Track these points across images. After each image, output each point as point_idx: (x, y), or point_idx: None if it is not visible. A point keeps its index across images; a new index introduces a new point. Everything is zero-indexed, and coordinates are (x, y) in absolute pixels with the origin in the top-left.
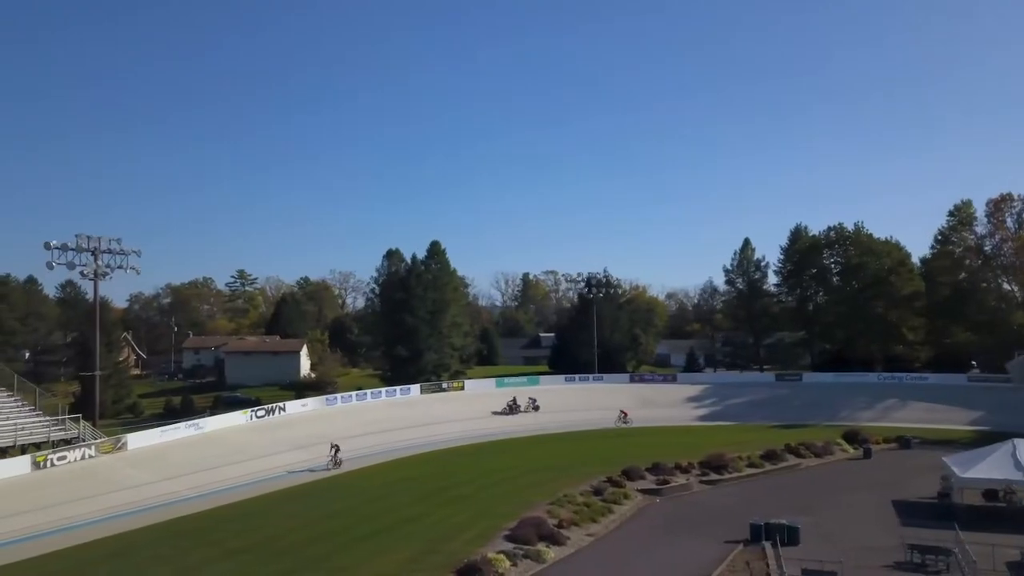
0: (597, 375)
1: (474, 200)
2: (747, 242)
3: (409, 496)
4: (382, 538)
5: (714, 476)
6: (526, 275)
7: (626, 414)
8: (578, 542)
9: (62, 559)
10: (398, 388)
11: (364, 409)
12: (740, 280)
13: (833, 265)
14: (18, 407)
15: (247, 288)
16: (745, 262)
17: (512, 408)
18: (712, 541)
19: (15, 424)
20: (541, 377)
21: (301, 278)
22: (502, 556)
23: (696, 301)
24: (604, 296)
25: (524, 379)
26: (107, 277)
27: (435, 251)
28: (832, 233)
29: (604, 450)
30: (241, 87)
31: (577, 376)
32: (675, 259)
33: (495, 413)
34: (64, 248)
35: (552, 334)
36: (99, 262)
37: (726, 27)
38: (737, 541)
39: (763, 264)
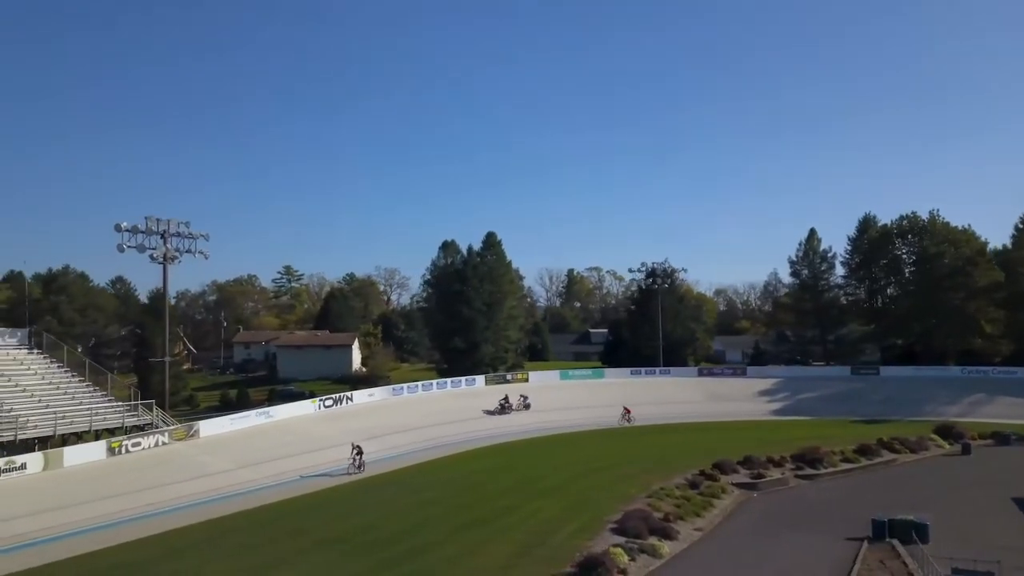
0: (664, 368)
1: (517, 197)
2: (813, 232)
3: (496, 487)
4: (480, 529)
5: (809, 471)
6: (571, 271)
7: (629, 412)
8: (688, 536)
9: (149, 546)
10: (463, 379)
11: (430, 400)
12: (806, 272)
13: (906, 255)
14: (90, 392)
15: (293, 284)
16: (811, 253)
17: (504, 407)
18: (830, 537)
19: (91, 409)
20: (606, 370)
21: (346, 274)
22: (619, 550)
23: (745, 298)
24: (667, 288)
25: (588, 372)
26: (176, 261)
27: (491, 242)
28: (905, 222)
29: (682, 445)
30: (286, 83)
31: (643, 369)
32: (721, 256)
33: (487, 412)
34: (135, 231)
35: (603, 330)
36: (168, 245)
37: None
38: (858, 538)
39: (830, 255)
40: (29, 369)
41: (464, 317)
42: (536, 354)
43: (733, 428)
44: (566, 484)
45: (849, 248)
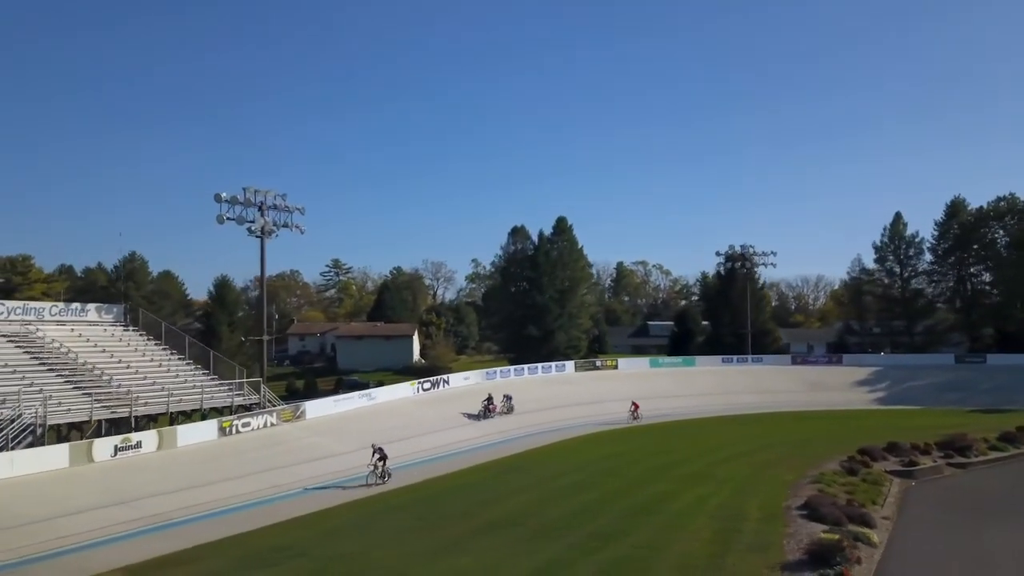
0: (756, 356)
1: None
2: (898, 217)
3: (635, 473)
4: (652, 516)
5: (959, 459)
6: (620, 264)
7: (637, 407)
8: (881, 525)
9: (300, 527)
10: (553, 364)
11: (524, 385)
12: (891, 259)
13: (1001, 240)
14: (193, 371)
15: (341, 278)
16: (896, 239)
17: (487, 410)
18: None
19: (201, 388)
20: (697, 358)
21: (393, 268)
22: (836, 535)
23: (800, 291)
24: (748, 273)
25: (679, 360)
26: (274, 235)
27: (561, 228)
28: (1003, 203)
29: (803, 432)
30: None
31: (735, 357)
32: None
33: (469, 416)
34: (233, 201)
35: (663, 322)
36: (265, 217)
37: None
38: None
39: (917, 240)
40: (128, 345)
41: (537, 304)
42: (595, 348)
43: (843, 417)
44: (708, 471)
45: (935, 233)
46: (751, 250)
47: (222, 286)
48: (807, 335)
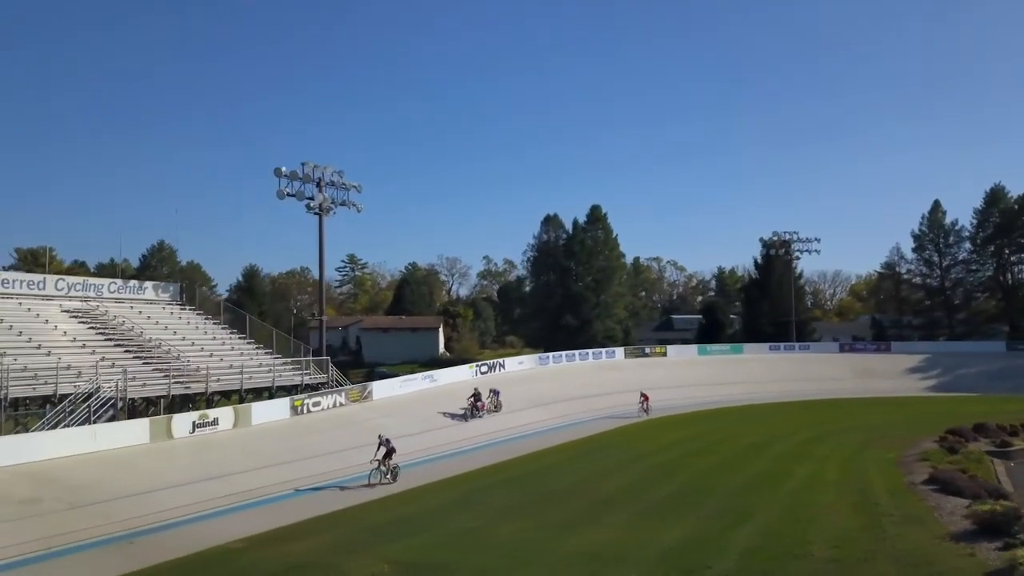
0: (803, 344)
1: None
2: (937, 205)
3: (728, 452)
4: (769, 492)
5: None
6: (636, 260)
7: (647, 399)
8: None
9: (405, 503)
10: (603, 351)
11: (575, 371)
12: (930, 248)
13: None
14: (256, 350)
15: (357, 273)
16: (935, 228)
17: (475, 408)
18: None
19: (270, 367)
20: (745, 346)
21: (409, 263)
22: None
23: (817, 285)
24: (789, 260)
25: (726, 347)
26: (331, 213)
27: (596, 216)
28: None
29: (873, 416)
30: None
31: (782, 345)
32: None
33: (452, 416)
34: (293, 176)
35: (687, 316)
36: (323, 194)
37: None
38: None
39: (957, 228)
40: (188, 324)
41: (573, 293)
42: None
43: (902, 403)
44: (802, 450)
45: (975, 221)
46: (795, 236)
47: (251, 276)
48: (830, 329)
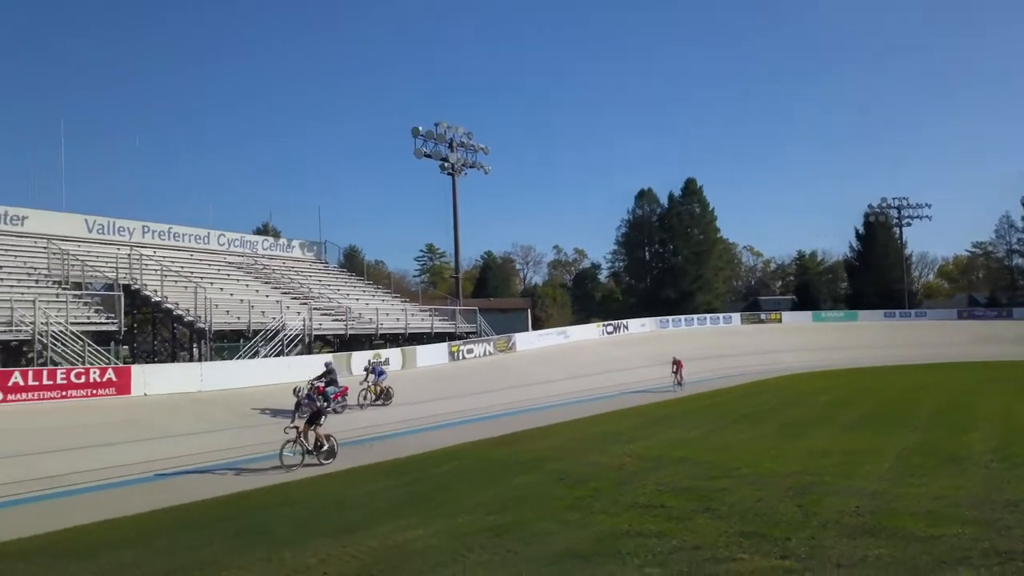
0: (919, 311)
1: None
2: None
3: (894, 392)
4: (972, 417)
5: None
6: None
7: (680, 366)
8: None
9: (616, 421)
10: (720, 316)
11: (695, 335)
12: None
13: None
14: (405, 303)
15: (435, 262)
16: None
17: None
18: None
19: (429, 316)
20: (859, 312)
21: (484, 252)
22: None
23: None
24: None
25: (841, 314)
26: (463, 174)
27: (691, 189)
28: None
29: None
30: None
31: (898, 312)
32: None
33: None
34: (428, 136)
35: (773, 296)
36: (456, 154)
37: None
38: None
39: None
40: (336, 279)
41: (672, 266)
42: None
43: None
44: (968, 393)
45: None
46: (905, 202)
47: (351, 255)
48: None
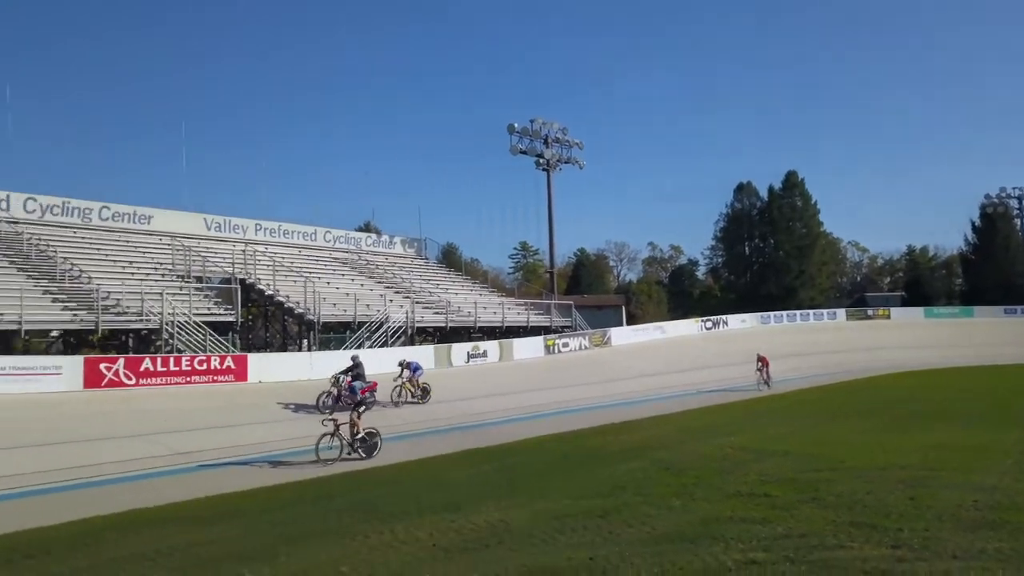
0: None
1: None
2: None
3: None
4: None
5: None
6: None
7: (766, 364)
8: None
9: (713, 414)
10: (824, 311)
11: (796, 331)
12: None
13: None
14: (503, 298)
15: (529, 260)
16: None
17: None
18: None
19: (525, 310)
20: (975, 308)
21: (578, 249)
22: None
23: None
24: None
25: (956, 310)
26: (557, 169)
27: (792, 182)
28: None
29: None
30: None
31: (1019, 308)
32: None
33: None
34: (524, 132)
35: (881, 293)
36: (551, 150)
37: None
38: None
39: None
40: (436, 274)
41: (774, 262)
42: None
43: None
44: None
45: None
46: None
47: (449, 252)
48: None
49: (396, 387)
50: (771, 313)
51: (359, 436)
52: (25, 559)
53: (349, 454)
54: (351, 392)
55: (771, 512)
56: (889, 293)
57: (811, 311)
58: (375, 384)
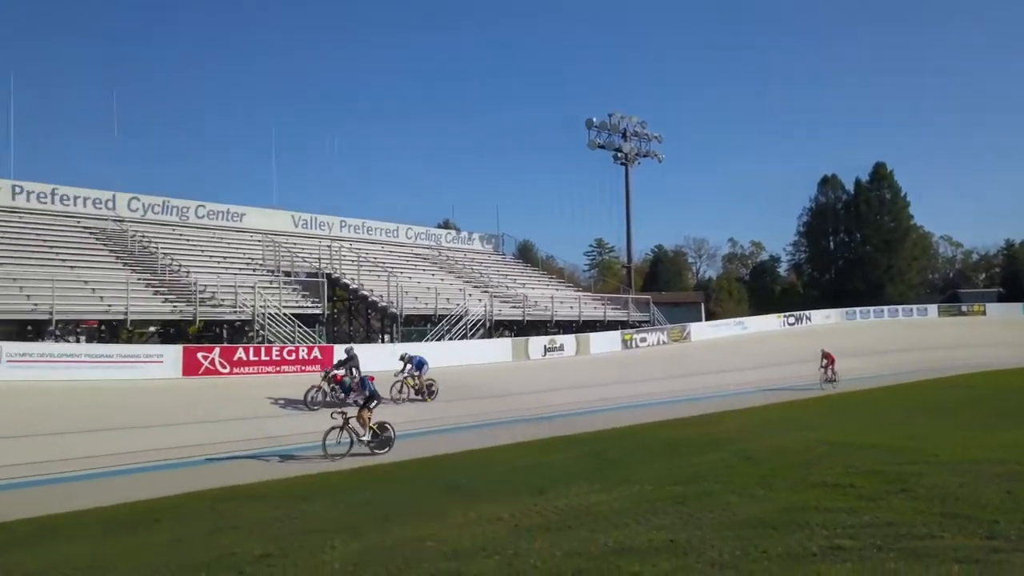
0: None
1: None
2: None
3: None
4: None
5: None
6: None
7: (832, 360)
8: None
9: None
10: (914, 307)
11: (884, 327)
12: None
13: None
14: (579, 292)
15: (604, 257)
16: None
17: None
18: None
19: (601, 305)
20: None
21: (655, 245)
22: None
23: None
24: None
25: None
26: (636, 163)
27: (880, 174)
28: None
29: None
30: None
31: None
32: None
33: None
34: (603, 127)
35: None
36: (629, 143)
37: None
38: None
39: None
40: (514, 269)
41: (861, 256)
42: None
43: None
44: None
45: None
46: None
47: (525, 249)
48: None
49: (397, 383)
50: (856, 309)
51: (376, 434)
52: (155, 523)
53: (372, 449)
54: (362, 386)
55: (857, 502)
56: (985, 289)
57: (899, 307)
58: (372, 378)
